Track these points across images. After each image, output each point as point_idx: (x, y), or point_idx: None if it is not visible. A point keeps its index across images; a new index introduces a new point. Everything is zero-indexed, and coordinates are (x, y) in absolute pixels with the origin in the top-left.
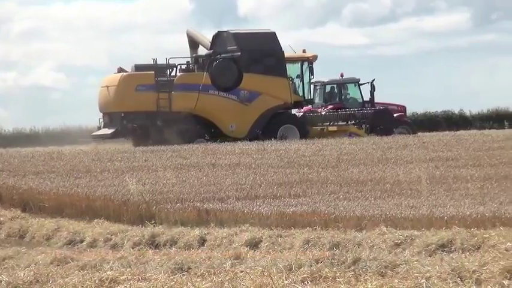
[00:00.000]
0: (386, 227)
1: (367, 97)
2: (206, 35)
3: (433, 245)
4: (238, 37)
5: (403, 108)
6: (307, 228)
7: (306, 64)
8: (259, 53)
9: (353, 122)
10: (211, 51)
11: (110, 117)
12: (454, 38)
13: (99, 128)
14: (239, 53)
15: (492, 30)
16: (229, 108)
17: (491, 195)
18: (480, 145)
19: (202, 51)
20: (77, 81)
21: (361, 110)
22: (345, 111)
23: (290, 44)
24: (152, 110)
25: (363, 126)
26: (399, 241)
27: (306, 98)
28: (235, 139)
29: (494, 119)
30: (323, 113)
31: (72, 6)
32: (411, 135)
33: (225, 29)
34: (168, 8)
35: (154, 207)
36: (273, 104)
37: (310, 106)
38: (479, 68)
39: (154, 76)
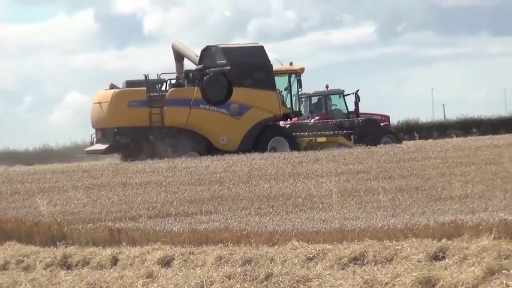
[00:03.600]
0: (298, 242)
1: (351, 108)
2: (112, 54)
3: (346, 258)
4: (228, 51)
5: (387, 118)
6: (219, 244)
7: (293, 76)
8: (249, 66)
9: (341, 132)
10: (201, 65)
11: (102, 133)
12: (361, 51)
13: (91, 144)
14: (229, 67)
15: (398, 43)
16: (220, 121)
17: (402, 206)
18: (391, 157)
19: (188, 65)
20: None
21: (350, 119)
22: (334, 121)
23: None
24: (145, 125)
25: (351, 136)
26: (311, 255)
27: (294, 110)
28: (226, 152)
29: (404, 131)
30: (311, 123)
31: None
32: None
33: (213, 44)
34: (73, 28)
35: (66, 227)
36: (263, 117)
37: (295, 118)
38: (387, 80)
39: (147, 92)
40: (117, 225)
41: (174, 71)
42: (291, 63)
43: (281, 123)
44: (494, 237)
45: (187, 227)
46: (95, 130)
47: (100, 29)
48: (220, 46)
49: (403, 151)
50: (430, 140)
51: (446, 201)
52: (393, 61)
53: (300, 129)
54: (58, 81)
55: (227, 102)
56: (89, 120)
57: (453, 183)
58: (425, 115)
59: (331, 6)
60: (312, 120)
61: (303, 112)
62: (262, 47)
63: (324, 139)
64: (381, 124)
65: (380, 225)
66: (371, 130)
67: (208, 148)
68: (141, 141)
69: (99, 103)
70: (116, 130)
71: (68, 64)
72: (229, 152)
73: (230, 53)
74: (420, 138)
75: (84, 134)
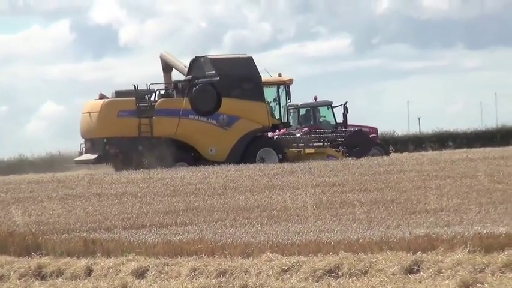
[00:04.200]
0: (273, 254)
1: (339, 119)
2: (88, 65)
3: (320, 271)
4: (216, 62)
5: (375, 130)
6: (194, 256)
7: (282, 87)
8: (238, 77)
9: (329, 143)
10: (190, 76)
11: (92, 142)
12: (337, 63)
13: (80, 154)
14: (218, 78)
15: (374, 55)
16: (209, 132)
17: (378, 219)
18: (366, 170)
19: (176, 75)
20: None
21: (340, 130)
22: (324, 132)
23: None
24: (134, 135)
25: (340, 148)
26: (286, 267)
27: (283, 121)
28: (215, 163)
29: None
30: (299, 134)
31: None
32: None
33: (202, 55)
34: (49, 39)
35: (41, 238)
36: (251, 128)
37: (284, 129)
38: (363, 92)
39: (136, 102)
40: (91, 235)
41: (158, 81)
42: (279, 74)
43: (269, 134)
44: (469, 251)
45: (162, 238)
46: (84, 140)
47: (76, 39)
48: (209, 57)
49: (378, 164)
50: (406, 153)
51: (422, 214)
52: (369, 74)
53: (288, 140)
54: (34, 92)
55: (216, 113)
56: (65, 130)
57: (428, 196)
58: (401, 128)
59: (307, 18)
60: (300, 131)
61: (291, 123)
62: (251, 58)
63: (312, 150)
64: (370, 136)
65: (355, 237)
66: (360, 142)
67: (197, 159)
68: (130, 152)
69: (89, 113)
70: (105, 140)
71: (43, 74)
72: (218, 163)
73: (219, 63)
74: (396, 151)
75: (60, 144)
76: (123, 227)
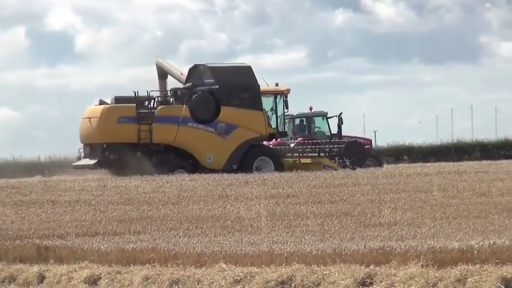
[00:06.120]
0: (226, 264)
1: (334, 130)
2: (43, 72)
3: (273, 282)
4: (216, 70)
5: (369, 141)
6: (147, 265)
7: (279, 97)
8: (236, 86)
9: (324, 154)
10: (189, 84)
11: (91, 148)
12: (293, 75)
13: (79, 159)
14: (217, 86)
15: (330, 68)
16: (207, 140)
17: (331, 231)
18: (321, 182)
19: (171, 82)
20: None
21: (337, 141)
22: (318, 143)
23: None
24: (133, 141)
25: (335, 159)
26: (239, 278)
27: (280, 130)
28: (212, 170)
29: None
30: (293, 145)
31: None
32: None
33: (201, 63)
34: (3, 45)
35: None
36: (249, 137)
37: (279, 139)
38: (319, 105)
39: (136, 108)
40: (45, 242)
41: (151, 88)
42: (276, 84)
43: (264, 143)
44: (422, 265)
45: (115, 247)
46: (83, 145)
47: (31, 46)
48: (208, 65)
49: (333, 176)
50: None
51: (375, 227)
52: (325, 86)
53: (283, 150)
54: None
55: (215, 121)
56: (19, 136)
57: (382, 210)
58: None
59: (263, 30)
60: (295, 141)
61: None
62: (250, 67)
63: (308, 160)
64: (365, 147)
65: (308, 249)
66: (355, 153)
67: (195, 166)
68: (129, 158)
69: (89, 118)
70: (104, 146)
71: None
72: (215, 171)
73: (218, 72)
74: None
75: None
76: (76, 235)
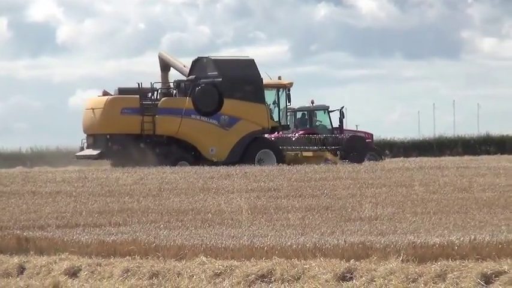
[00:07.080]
0: (207, 257)
1: (336, 124)
2: (25, 63)
3: (253, 275)
4: (219, 63)
5: (370, 136)
6: (127, 257)
7: (281, 90)
8: (239, 79)
9: (327, 147)
10: (193, 76)
11: (94, 138)
12: (275, 69)
13: (82, 149)
14: (220, 79)
15: (312, 62)
16: (210, 132)
17: (312, 226)
18: (302, 176)
19: (174, 74)
20: None
21: (337, 135)
22: (321, 136)
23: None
24: (137, 132)
25: (337, 152)
26: (219, 271)
27: (282, 123)
28: (214, 163)
29: None
30: (294, 137)
31: None
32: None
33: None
34: None
35: None
36: (251, 129)
37: (280, 132)
38: (301, 99)
39: (140, 100)
40: (25, 233)
41: (153, 80)
42: (279, 78)
43: (266, 136)
44: (402, 260)
45: (96, 238)
46: (86, 135)
47: (13, 37)
48: (211, 58)
49: (314, 170)
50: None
51: (356, 222)
52: (307, 80)
53: (284, 143)
54: None
55: (218, 113)
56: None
57: (363, 204)
58: None
59: (245, 23)
60: (296, 135)
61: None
62: (253, 60)
63: (310, 153)
64: (366, 141)
65: (289, 243)
66: (357, 147)
67: (198, 158)
68: (132, 149)
69: (92, 109)
70: (108, 136)
71: None
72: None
73: (221, 65)
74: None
75: None
76: (56, 226)
